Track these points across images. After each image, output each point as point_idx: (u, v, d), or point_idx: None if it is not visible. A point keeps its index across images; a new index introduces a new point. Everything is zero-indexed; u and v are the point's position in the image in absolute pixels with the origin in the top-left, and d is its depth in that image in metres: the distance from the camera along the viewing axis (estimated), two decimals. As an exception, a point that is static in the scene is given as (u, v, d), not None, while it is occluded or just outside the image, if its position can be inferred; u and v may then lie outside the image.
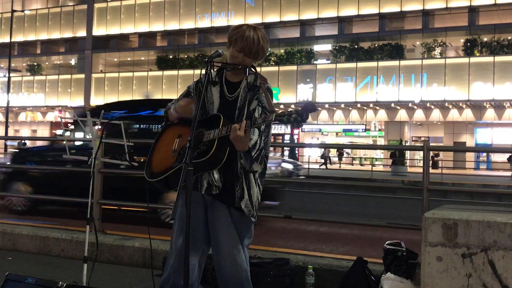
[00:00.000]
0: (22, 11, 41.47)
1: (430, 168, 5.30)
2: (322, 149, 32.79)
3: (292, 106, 33.95)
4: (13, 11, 34.93)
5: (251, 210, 2.47)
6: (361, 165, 35.24)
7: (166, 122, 2.71)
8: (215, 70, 2.58)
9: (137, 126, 7.43)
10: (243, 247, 2.50)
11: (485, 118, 31.84)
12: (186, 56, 38.23)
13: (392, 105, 32.37)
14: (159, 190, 2.79)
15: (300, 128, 36.78)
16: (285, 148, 34.05)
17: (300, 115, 2.13)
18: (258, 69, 2.62)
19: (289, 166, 11.24)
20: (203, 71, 2.47)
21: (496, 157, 32.60)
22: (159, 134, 2.71)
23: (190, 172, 2.16)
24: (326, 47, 34.95)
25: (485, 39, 30.60)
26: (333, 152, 37.81)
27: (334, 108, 34.69)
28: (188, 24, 37.94)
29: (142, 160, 4.11)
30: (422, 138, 34.38)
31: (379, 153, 36.45)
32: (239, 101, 2.50)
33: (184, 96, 2.67)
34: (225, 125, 2.36)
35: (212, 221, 2.51)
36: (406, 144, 33.34)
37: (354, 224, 7.14)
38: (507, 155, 31.19)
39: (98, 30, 40.95)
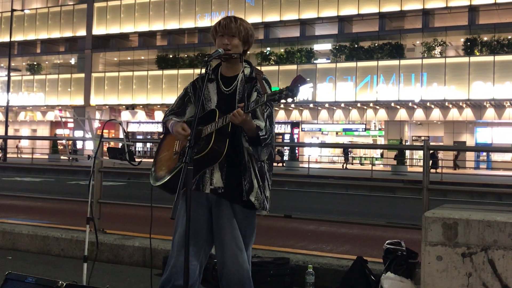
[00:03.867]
0: (22, 10, 41.46)
1: (430, 167, 5.29)
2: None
3: (292, 105, 33.96)
4: (13, 10, 34.91)
5: (262, 202, 2.47)
6: (361, 164, 35.24)
7: (165, 128, 2.71)
8: (212, 65, 2.58)
9: None
10: (246, 246, 2.50)
11: (485, 118, 31.83)
12: (186, 55, 38.23)
13: (392, 104, 32.36)
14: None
15: (300, 128, 36.80)
16: (285, 147, 34.12)
17: (291, 90, 2.14)
18: (257, 68, 2.62)
19: None
20: (203, 70, 2.48)
21: (496, 157, 32.60)
22: (161, 141, 2.72)
23: (190, 172, 2.16)
24: (326, 46, 34.94)
25: (485, 39, 30.59)
26: (332, 152, 37.84)
27: (334, 108, 34.69)
28: (188, 23, 37.93)
29: (141, 160, 4.10)
30: (422, 138, 34.36)
31: (378, 153, 36.46)
32: (237, 94, 2.51)
33: (181, 98, 2.67)
34: (220, 118, 2.37)
35: (216, 220, 2.50)
36: (406, 144, 33.34)
37: (354, 224, 7.14)
38: (507, 155, 31.20)
39: (98, 30, 40.94)
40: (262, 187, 2.48)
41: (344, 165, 31.24)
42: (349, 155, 32.41)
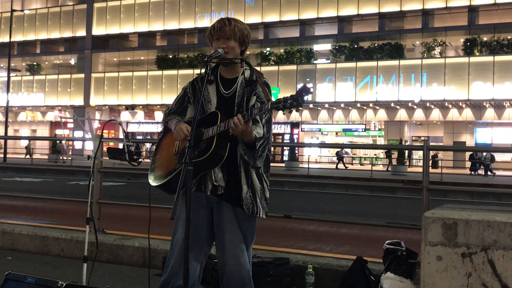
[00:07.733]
0: (22, 10, 41.45)
1: (430, 167, 5.29)
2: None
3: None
4: (12, 10, 34.87)
5: (250, 207, 2.45)
6: (361, 164, 35.22)
7: (165, 128, 2.70)
8: (211, 67, 2.58)
9: None
10: (247, 247, 2.50)
11: (485, 118, 31.84)
12: (185, 55, 38.22)
13: (392, 104, 32.37)
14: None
15: (300, 128, 36.79)
16: (285, 148, 34.11)
17: (295, 99, 2.12)
18: (258, 68, 2.62)
19: None
20: (202, 71, 2.47)
21: (496, 157, 32.57)
22: (160, 140, 2.70)
23: (190, 172, 2.15)
24: (326, 46, 34.94)
25: (485, 39, 30.59)
26: (332, 152, 37.80)
27: (334, 108, 34.69)
28: (187, 23, 37.93)
29: (141, 160, 4.10)
30: (422, 138, 34.36)
31: (379, 153, 36.47)
32: (236, 97, 2.50)
33: (180, 98, 2.66)
34: (222, 121, 2.36)
35: (217, 221, 2.50)
36: (406, 144, 33.34)
37: (354, 224, 7.14)
38: (507, 155, 31.20)
39: (98, 30, 40.93)
40: (261, 189, 2.48)
41: (388, 168, 28.84)
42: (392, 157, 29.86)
